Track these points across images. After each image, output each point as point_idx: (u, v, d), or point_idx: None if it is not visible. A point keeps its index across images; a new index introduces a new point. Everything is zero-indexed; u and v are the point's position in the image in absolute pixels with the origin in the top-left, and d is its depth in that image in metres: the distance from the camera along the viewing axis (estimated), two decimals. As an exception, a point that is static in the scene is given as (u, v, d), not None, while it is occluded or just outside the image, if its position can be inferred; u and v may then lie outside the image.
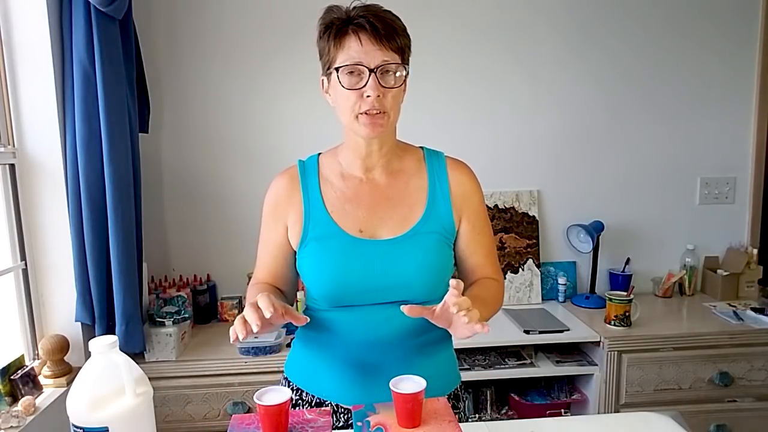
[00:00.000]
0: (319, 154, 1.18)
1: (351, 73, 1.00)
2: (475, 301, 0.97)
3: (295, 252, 1.12)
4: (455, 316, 0.89)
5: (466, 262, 1.16)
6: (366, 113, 1.01)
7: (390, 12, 1.03)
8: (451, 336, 1.18)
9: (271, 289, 1.12)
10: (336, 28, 1.01)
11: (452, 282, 0.90)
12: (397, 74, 1.02)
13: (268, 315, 0.87)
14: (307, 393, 1.14)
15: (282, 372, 1.21)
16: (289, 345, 1.89)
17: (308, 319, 0.97)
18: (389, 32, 0.99)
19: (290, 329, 2.02)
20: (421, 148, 1.18)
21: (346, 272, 1.05)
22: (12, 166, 1.75)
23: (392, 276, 1.05)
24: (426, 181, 1.12)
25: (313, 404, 1.13)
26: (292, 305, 1.21)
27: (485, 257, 1.15)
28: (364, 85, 0.99)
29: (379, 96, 0.99)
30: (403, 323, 1.07)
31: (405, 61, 1.04)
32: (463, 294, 0.93)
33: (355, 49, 0.99)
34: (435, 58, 2.27)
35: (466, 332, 0.92)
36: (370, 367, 1.08)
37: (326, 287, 1.07)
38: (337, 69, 1.01)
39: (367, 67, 0.99)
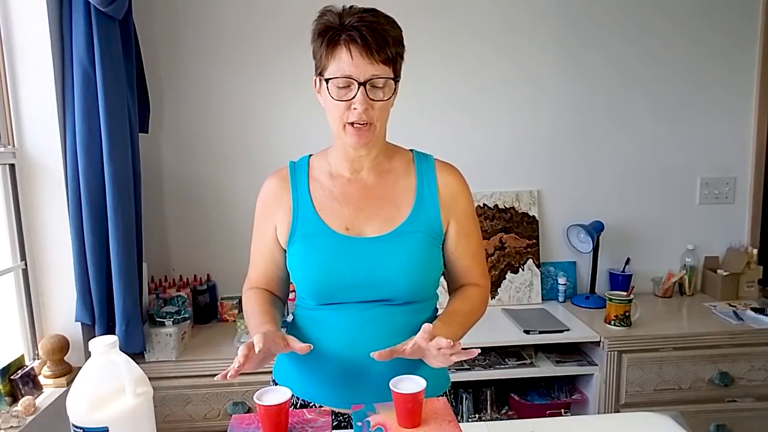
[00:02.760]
0: (311, 155, 1.19)
1: (341, 84, 1.01)
2: (453, 316, 1.07)
3: (285, 250, 1.14)
4: (427, 350, 0.94)
5: (453, 264, 1.17)
6: (353, 124, 1.02)
7: (385, 18, 1.03)
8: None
9: (266, 300, 1.14)
10: (328, 37, 1.01)
11: (424, 326, 0.94)
12: (386, 88, 1.02)
13: (257, 349, 0.91)
14: (293, 395, 1.14)
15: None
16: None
17: (311, 347, 0.98)
18: (380, 44, 0.99)
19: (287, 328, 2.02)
20: (411, 150, 1.19)
21: (332, 269, 1.07)
22: (12, 166, 1.75)
23: (377, 273, 1.06)
24: (414, 181, 1.13)
25: (298, 406, 1.13)
26: (284, 305, 1.23)
27: (472, 259, 1.17)
28: (353, 98, 1.00)
29: (366, 109, 1.01)
30: (388, 323, 1.08)
31: (396, 71, 1.04)
32: (442, 308, 1.02)
33: (346, 62, 0.99)
34: (434, 58, 2.27)
35: (440, 363, 0.96)
36: (355, 368, 1.08)
37: (312, 284, 1.09)
38: (327, 80, 1.02)
39: (356, 81, 0.99)
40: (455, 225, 1.13)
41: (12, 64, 1.72)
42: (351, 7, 1.03)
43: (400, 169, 1.15)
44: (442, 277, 1.20)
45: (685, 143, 2.42)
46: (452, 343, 0.90)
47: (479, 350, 0.94)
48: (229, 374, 0.90)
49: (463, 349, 0.92)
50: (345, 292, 1.07)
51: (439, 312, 1.18)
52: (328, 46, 1.01)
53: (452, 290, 1.21)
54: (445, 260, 1.17)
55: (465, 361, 2.03)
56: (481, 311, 1.16)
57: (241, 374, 2.05)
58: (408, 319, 1.10)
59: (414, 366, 1.05)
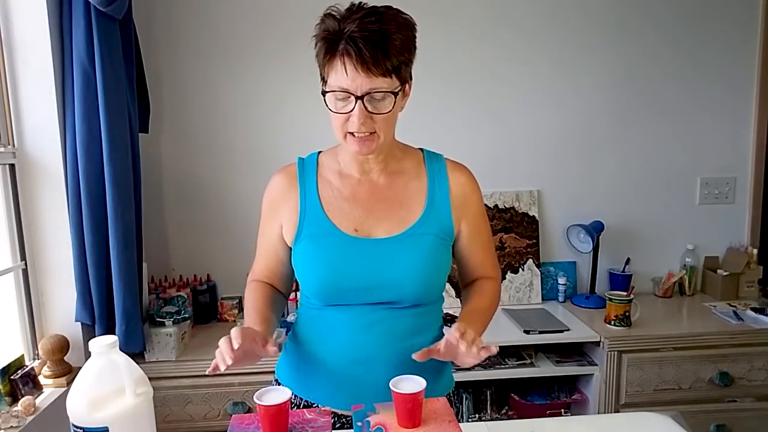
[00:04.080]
0: (320, 152, 1.18)
1: (339, 97, 0.98)
2: (475, 315, 1.09)
3: (291, 248, 1.13)
4: (460, 350, 0.93)
5: (467, 261, 1.19)
6: (354, 134, 1.00)
7: (393, 20, 0.97)
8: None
9: (265, 295, 1.14)
10: (326, 48, 0.97)
11: (456, 325, 0.96)
12: (386, 101, 0.98)
13: (236, 345, 0.90)
14: (296, 396, 1.14)
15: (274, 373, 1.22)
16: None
17: (277, 350, 0.97)
18: (377, 57, 0.94)
19: (288, 327, 2.01)
20: (421, 150, 1.18)
21: (339, 270, 1.06)
22: (12, 166, 1.75)
23: (385, 275, 1.05)
24: (425, 182, 1.12)
25: (301, 406, 1.13)
26: (286, 301, 1.24)
27: (484, 254, 1.19)
28: (351, 110, 0.98)
29: (365, 121, 0.98)
30: (393, 326, 1.08)
31: (401, 78, 0.99)
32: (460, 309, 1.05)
33: (341, 75, 0.95)
34: (435, 57, 2.27)
35: (472, 362, 0.96)
36: (357, 369, 1.08)
37: (319, 284, 1.07)
38: (324, 93, 1.00)
39: (353, 94, 0.96)
40: (467, 225, 1.13)
41: (12, 64, 1.72)
42: (360, 4, 0.98)
43: (410, 169, 1.14)
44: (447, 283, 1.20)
45: (685, 143, 2.42)
46: (474, 338, 0.93)
47: (498, 348, 0.96)
48: (214, 367, 0.89)
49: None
50: (351, 293, 1.06)
51: (447, 312, 1.19)
52: (326, 55, 0.98)
53: (465, 284, 1.23)
54: (458, 257, 1.18)
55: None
56: (497, 303, 1.18)
57: (239, 374, 2.05)
58: (414, 321, 1.09)
59: (418, 367, 1.05)
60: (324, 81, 1.01)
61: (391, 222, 1.08)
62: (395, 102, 1.00)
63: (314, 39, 1.00)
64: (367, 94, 0.96)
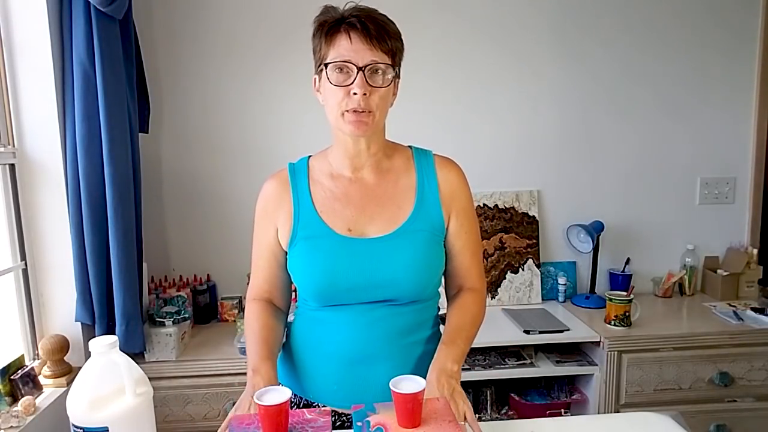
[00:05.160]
0: (309, 156, 1.19)
1: (340, 70, 1.01)
2: (458, 334, 1.08)
3: (286, 252, 1.13)
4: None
5: (452, 261, 1.16)
6: (352, 111, 1.02)
7: (384, 16, 1.05)
8: (440, 338, 1.19)
9: (267, 322, 1.12)
10: (328, 25, 1.02)
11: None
12: (386, 75, 1.02)
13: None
14: (295, 395, 1.14)
15: None
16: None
17: None
18: (380, 33, 1.00)
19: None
20: (410, 147, 1.19)
21: (335, 270, 1.06)
22: (12, 166, 1.75)
23: (381, 273, 1.05)
24: (414, 179, 1.13)
25: (301, 406, 1.14)
26: (288, 308, 1.23)
27: (470, 259, 1.16)
28: (352, 83, 1.00)
29: (365, 94, 1.00)
30: (392, 323, 1.08)
31: (396, 64, 1.05)
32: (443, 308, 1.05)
33: (345, 47, 1.00)
34: (434, 57, 2.27)
35: None
36: (358, 368, 1.08)
37: (315, 286, 1.08)
38: (326, 65, 1.02)
39: (355, 65, 1.00)
40: (455, 221, 1.13)
41: (12, 64, 1.72)
42: (350, 8, 1.04)
43: (400, 167, 1.14)
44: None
45: (685, 143, 2.42)
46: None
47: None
48: None
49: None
50: (349, 293, 1.07)
51: (441, 311, 1.19)
52: (327, 36, 1.02)
53: (450, 293, 1.20)
54: (446, 257, 1.16)
55: (465, 360, 2.04)
56: (481, 317, 1.16)
57: (239, 374, 2.05)
58: (412, 318, 1.10)
59: (417, 367, 1.05)
60: (319, 64, 1.05)
61: (383, 220, 1.09)
62: (393, 81, 1.04)
63: (314, 24, 1.05)
64: (368, 66, 1.00)
